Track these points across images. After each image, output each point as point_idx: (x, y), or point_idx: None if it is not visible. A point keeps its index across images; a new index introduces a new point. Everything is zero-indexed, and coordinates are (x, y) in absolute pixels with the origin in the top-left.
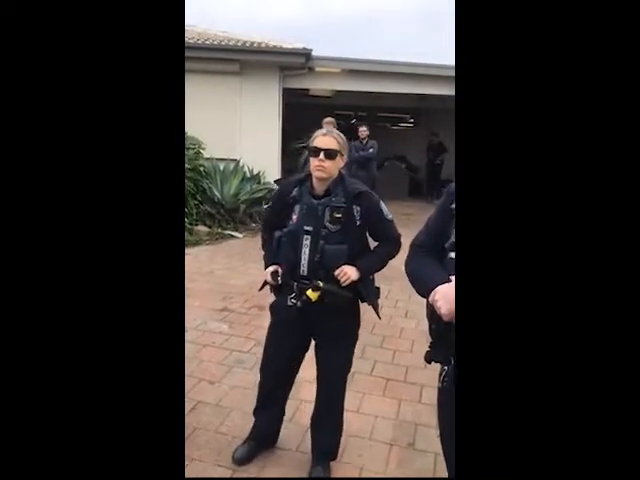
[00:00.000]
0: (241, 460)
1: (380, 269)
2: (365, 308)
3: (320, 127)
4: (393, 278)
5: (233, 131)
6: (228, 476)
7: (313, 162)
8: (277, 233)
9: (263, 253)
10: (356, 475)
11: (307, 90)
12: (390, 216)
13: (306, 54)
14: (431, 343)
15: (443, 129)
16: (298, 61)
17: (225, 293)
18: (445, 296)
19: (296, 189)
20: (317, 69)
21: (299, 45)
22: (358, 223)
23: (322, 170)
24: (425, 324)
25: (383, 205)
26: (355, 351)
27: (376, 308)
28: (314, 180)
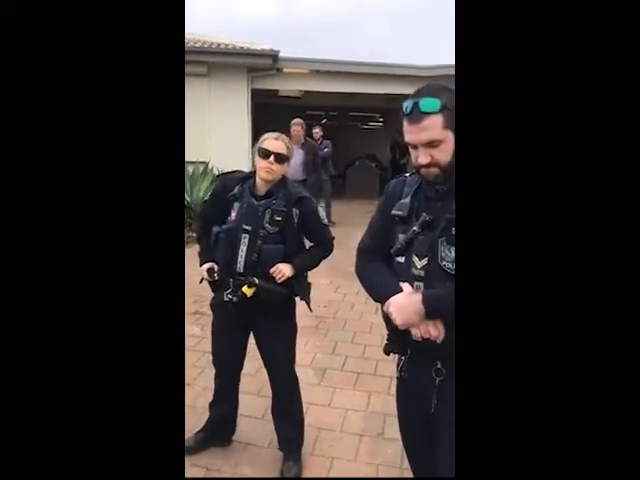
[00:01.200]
0: (187, 450)
1: (313, 268)
2: (338, 306)
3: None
4: None
5: (202, 133)
6: (202, 474)
7: (261, 163)
8: (215, 229)
9: (198, 248)
10: (327, 466)
11: (276, 91)
12: (325, 220)
13: (274, 55)
14: (388, 336)
15: None
16: (266, 62)
17: (196, 296)
18: (399, 308)
19: (238, 187)
20: (285, 70)
21: (267, 46)
22: (296, 226)
23: (270, 172)
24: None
25: (320, 210)
26: (327, 348)
27: (308, 303)
28: (258, 180)
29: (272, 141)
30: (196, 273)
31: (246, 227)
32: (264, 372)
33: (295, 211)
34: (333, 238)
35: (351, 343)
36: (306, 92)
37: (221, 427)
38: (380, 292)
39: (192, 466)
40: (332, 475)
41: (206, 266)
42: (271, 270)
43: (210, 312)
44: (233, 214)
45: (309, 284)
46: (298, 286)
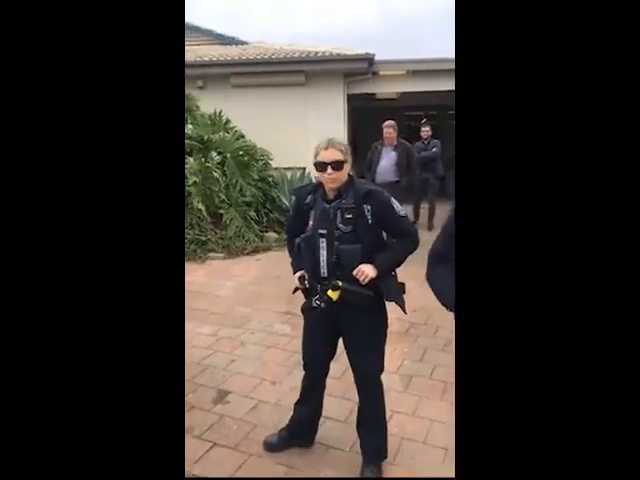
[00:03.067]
0: (269, 446)
1: (398, 265)
2: (428, 314)
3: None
4: None
5: (299, 140)
6: (283, 472)
7: (323, 177)
8: (297, 240)
9: (290, 260)
10: (407, 477)
11: (373, 94)
12: (402, 212)
13: (369, 59)
14: None
15: None
16: (361, 67)
17: (290, 297)
18: None
19: (310, 196)
20: (381, 73)
21: (362, 51)
22: (370, 222)
23: (334, 181)
24: None
25: (395, 202)
26: (415, 355)
27: (401, 305)
28: (326, 187)
29: (324, 152)
30: (290, 275)
31: (322, 231)
32: (349, 375)
33: (366, 207)
34: (416, 230)
35: (442, 351)
36: (403, 93)
37: (304, 427)
38: (450, 300)
39: (275, 464)
40: None
41: (297, 275)
42: (354, 272)
43: (300, 313)
44: (310, 222)
45: (402, 285)
46: (386, 287)
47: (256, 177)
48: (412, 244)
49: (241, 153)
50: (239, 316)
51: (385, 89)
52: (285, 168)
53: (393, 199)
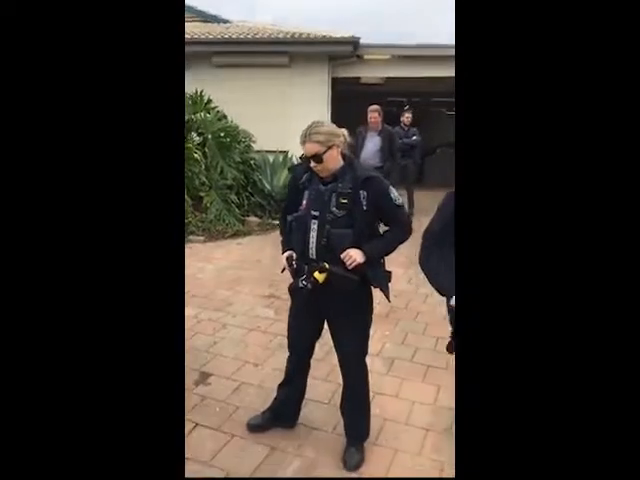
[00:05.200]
0: (253, 427)
1: (388, 253)
2: (408, 298)
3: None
4: None
5: (283, 123)
6: (266, 453)
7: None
8: (289, 218)
9: (281, 238)
10: (389, 457)
11: (358, 78)
12: (399, 201)
13: (354, 42)
14: (452, 333)
15: None
16: (347, 50)
17: (272, 281)
18: None
19: (306, 175)
20: (366, 57)
21: (347, 34)
22: (365, 208)
23: (321, 171)
24: None
25: (393, 190)
26: (397, 338)
27: (386, 292)
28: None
29: (303, 146)
30: (273, 259)
31: (314, 213)
32: (333, 357)
33: (363, 193)
34: (410, 221)
35: (422, 335)
36: (388, 79)
37: (287, 408)
38: (445, 284)
39: (256, 444)
40: (393, 467)
41: (285, 254)
42: (342, 255)
43: (284, 296)
44: (304, 202)
45: (388, 273)
46: (373, 274)
47: (237, 159)
48: (405, 234)
49: (222, 134)
50: (220, 299)
51: (370, 73)
52: (267, 151)
53: (392, 188)
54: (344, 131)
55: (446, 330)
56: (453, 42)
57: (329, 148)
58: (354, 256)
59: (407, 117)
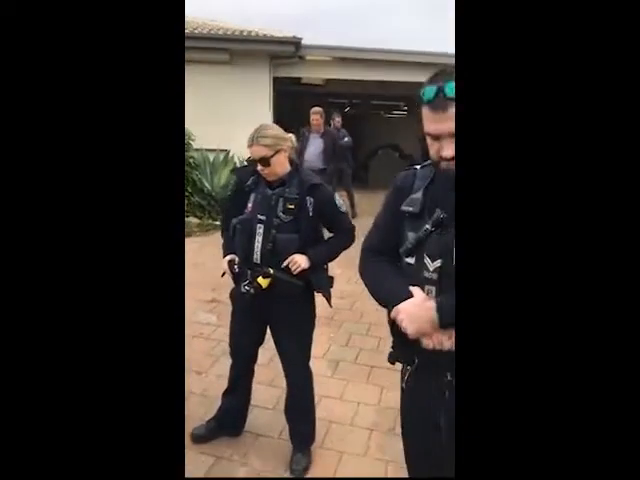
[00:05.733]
0: (197, 437)
1: (332, 259)
2: (353, 299)
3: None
4: None
5: (223, 121)
6: (211, 463)
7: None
8: (233, 221)
9: (222, 241)
10: (336, 460)
11: (299, 79)
12: (343, 208)
13: (296, 42)
14: (393, 343)
15: None
16: (288, 50)
17: (215, 284)
18: (410, 316)
19: (252, 178)
20: (308, 57)
21: (289, 34)
22: (311, 214)
23: (268, 174)
24: None
25: (337, 197)
26: (341, 340)
27: (328, 298)
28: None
29: (249, 149)
30: (215, 261)
31: (260, 217)
32: (277, 363)
33: (309, 199)
34: (354, 227)
35: (366, 335)
36: (329, 80)
37: (233, 417)
38: (388, 296)
39: (201, 454)
40: (340, 469)
41: (227, 258)
42: (286, 261)
43: (227, 301)
44: (249, 205)
45: (331, 278)
46: (316, 279)
47: None
48: (349, 240)
49: None
50: None
51: (311, 74)
52: (207, 149)
53: (336, 195)
54: (291, 136)
55: (388, 331)
56: (395, 47)
57: (276, 152)
58: (299, 261)
59: (337, 120)
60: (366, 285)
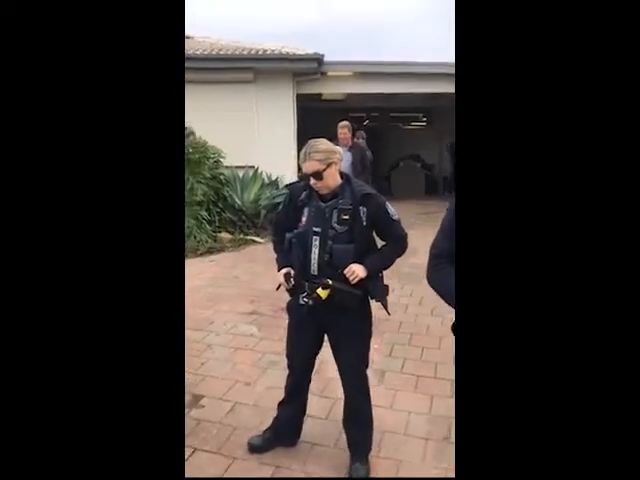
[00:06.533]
0: (254, 447)
1: (387, 267)
2: (392, 308)
3: (334, 130)
4: (418, 277)
5: (250, 138)
6: (271, 473)
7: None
8: (288, 235)
9: (276, 256)
10: (394, 468)
11: (319, 94)
12: (396, 216)
13: (318, 59)
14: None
15: (454, 126)
16: (311, 67)
17: (252, 297)
18: None
19: (305, 193)
20: (329, 73)
21: (311, 51)
22: (365, 224)
23: (320, 188)
24: (450, 320)
25: (389, 206)
26: (384, 350)
27: (385, 305)
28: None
29: (303, 164)
30: (251, 274)
31: (316, 229)
32: (327, 372)
33: (362, 209)
34: (406, 235)
35: (408, 345)
36: (349, 94)
37: (289, 427)
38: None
39: (261, 465)
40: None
41: (283, 271)
42: (345, 271)
43: (267, 312)
44: (303, 219)
45: (386, 286)
46: (373, 287)
47: (207, 175)
48: (402, 248)
49: (191, 150)
50: (200, 318)
51: (332, 90)
52: (237, 167)
53: (388, 203)
54: (340, 149)
55: (430, 340)
56: (411, 59)
57: (328, 166)
58: (357, 271)
59: (362, 136)
60: (439, 290)
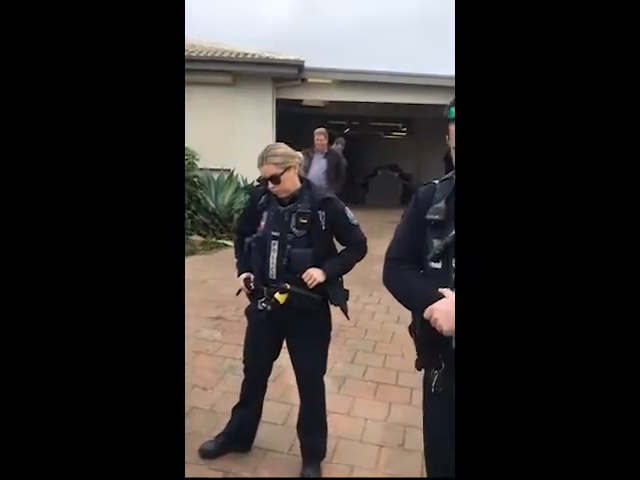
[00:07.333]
0: (207, 453)
1: (346, 272)
2: (358, 315)
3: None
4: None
5: (227, 141)
6: (220, 477)
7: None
8: (247, 239)
9: (236, 260)
10: (346, 474)
11: (300, 101)
12: (355, 221)
13: (299, 65)
14: (418, 350)
15: (434, 137)
16: (291, 72)
17: (219, 302)
18: (445, 314)
19: (264, 197)
20: (310, 80)
21: (292, 56)
22: (324, 228)
23: (278, 191)
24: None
25: (348, 211)
26: (346, 357)
27: (345, 310)
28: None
29: (260, 168)
30: (219, 279)
31: (274, 233)
32: (285, 378)
33: (321, 213)
34: (365, 239)
35: (372, 353)
36: (329, 102)
37: (243, 432)
38: (419, 300)
39: (210, 470)
40: None
41: (243, 276)
42: (302, 275)
43: (231, 317)
44: (262, 223)
45: (346, 291)
46: (332, 292)
47: None
48: (361, 252)
49: None
50: None
51: (313, 96)
52: (211, 169)
53: (347, 208)
54: (299, 153)
55: (394, 347)
56: (393, 69)
57: (286, 170)
58: (315, 275)
59: (340, 143)
60: (395, 293)
